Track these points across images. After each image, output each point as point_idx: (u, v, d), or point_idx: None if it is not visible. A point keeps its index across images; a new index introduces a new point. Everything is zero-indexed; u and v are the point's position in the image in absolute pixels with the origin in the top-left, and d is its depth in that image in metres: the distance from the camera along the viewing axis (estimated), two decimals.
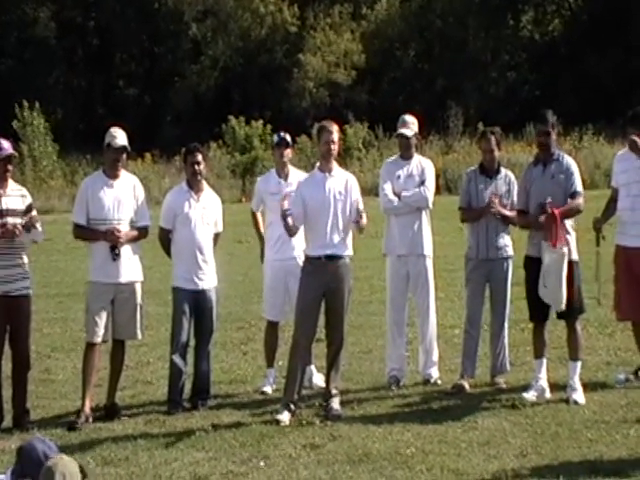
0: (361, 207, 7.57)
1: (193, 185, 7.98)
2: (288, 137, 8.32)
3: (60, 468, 3.91)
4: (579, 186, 7.67)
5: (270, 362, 8.31)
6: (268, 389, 8.15)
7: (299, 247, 8.02)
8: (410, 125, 8.31)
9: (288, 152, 8.31)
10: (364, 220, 7.51)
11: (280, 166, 8.30)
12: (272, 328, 8.32)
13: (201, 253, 7.90)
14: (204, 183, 8.09)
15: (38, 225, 7.51)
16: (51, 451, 4.18)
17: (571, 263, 7.55)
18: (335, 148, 7.57)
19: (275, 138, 8.41)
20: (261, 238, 8.44)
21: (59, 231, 16.75)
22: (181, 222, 7.90)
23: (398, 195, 8.22)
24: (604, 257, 8.09)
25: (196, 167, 7.92)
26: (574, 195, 7.63)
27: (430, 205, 8.29)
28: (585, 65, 36.71)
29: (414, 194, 8.21)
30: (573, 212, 7.66)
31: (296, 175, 8.28)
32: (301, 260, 7.87)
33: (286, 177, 8.23)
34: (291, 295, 7.97)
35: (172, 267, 8.06)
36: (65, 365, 8.93)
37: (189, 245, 7.88)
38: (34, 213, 7.60)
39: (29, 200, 7.61)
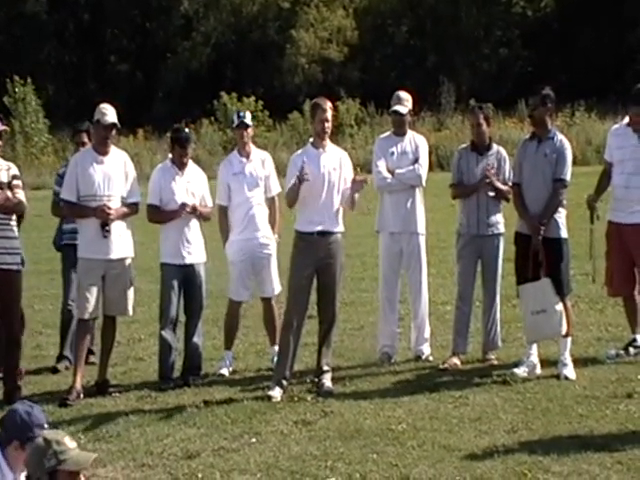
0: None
1: (177, 162, 7.99)
2: (247, 118, 8.27)
3: (50, 437, 3.91)
4: (567, 175, 7.52)
5: (229, 344, 8.23)
6: (224, 371, 8.07)
7: (264, 228, 8.11)
8: (404, 102, 8.28)
9: (249, 132, 8.29)
10: (357, 196, 7.51)
11: (242, 146, 8.28)
12: (235, 309, 8.26)
13: (188, 228, 7.90)
14: (188, 158, 8.10)
15: (17, 194, 7.40)
16: (33, 409, 4.16)
17: (559, 241, 7.55)
18: (329, 126, 7.56)
19: (235, 120, 8.30)
20: (225, 237, 8.24)
21: (50, 207, 16.65)
22: (167, 197, 7.91)
23: (392, 172, 8.19)
24: (596, 233, 8.09)
25: (184, 160, 7.98)
26: (557, 182, 7.47)
27: (424, 183, 8.27)
28: (577, 41, 36.58)
29: (408, 172, 8.19)
30: (555, 208, 7.50)
31: (257, 154, 8.31)
32: (266, 239, 8.05)
33: (247, 156, 8.22)
34: (256, 273, 8.11)
35: (160, 243, 8.05)
36: (56, 341, 8.91)
37: (176, 220, 7.87)
38: (15, 182, 7.43)
39: (14, 171, 7.49)
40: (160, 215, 7.96)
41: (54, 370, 8.44)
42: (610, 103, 26.85)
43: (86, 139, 8.49)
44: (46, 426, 4.23)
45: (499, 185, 7.97)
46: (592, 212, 8.05)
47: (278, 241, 8.28)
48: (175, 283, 7.86)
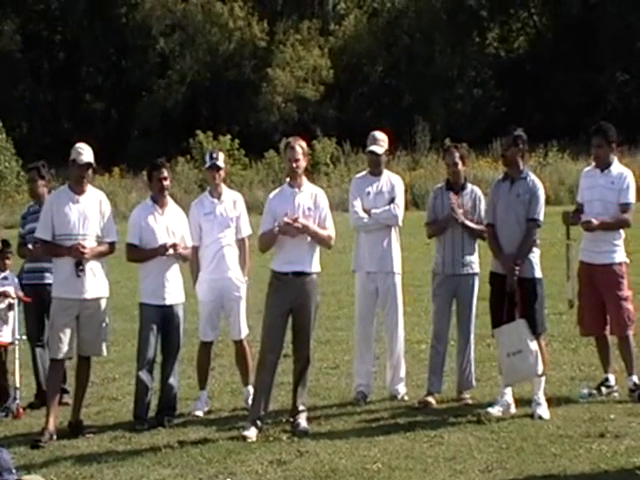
0: (329, 224, 7.59)
1: (158, 200, 8.00)
2: (220, 160, 8.28)
3: None
4: (540, 215, 7.62)
5: (203, 384, 8.22)
6: (199, 413, 8.03)
7: (234, 268, 8.12)
8: (380, 142, 8.35)
9: (221, 173, 8.32)
10: (326, 233, 7.52)
11: (213, 187, 8.31)
12: (206, 348, 8.26)
13: (168, 268, 7.89)
14: (168, 198, 8.12)
15: None
16: (2, 453, 4.12)
17: (533, 281, 7.61)
18: (300, 165, 7.58)
19: (207, 161, 8.32)
20: (196, 277, 8.26)
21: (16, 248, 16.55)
22: (148, 237, 7.89)
23: (368, 212, 8.24)
24: (573, 251, 8.10)
25: (164, 182, 7.96)
26: (530, 222, 7.56)
27: (400, 223, 8.32)
28: (550, 82, 37.11)
29: (384, 211, 8.24)
30: (530, 248, 7.59)
31: (229, 194, 8.34)
32: (236, 281, 8.08)
33: (219, 196, 8.25)
34: (227, 312, 8.15)
35: (139, 283, 8.03)
36: (29, 382, 8.85)
37: (155, 260, 7.86)
38: None
39: None
40: (139, 254, 7.94)
41: (32, 405, 8.39)
42: (582, 143, 27.21)
43: (37, 177, 8.66)
44: (14, 471, 4.19)
45: (468, 222, 8.00)
46: (568, 227, 8.10)
47: (248, 283, 8.29)
48: (153, 324, 7.83)
